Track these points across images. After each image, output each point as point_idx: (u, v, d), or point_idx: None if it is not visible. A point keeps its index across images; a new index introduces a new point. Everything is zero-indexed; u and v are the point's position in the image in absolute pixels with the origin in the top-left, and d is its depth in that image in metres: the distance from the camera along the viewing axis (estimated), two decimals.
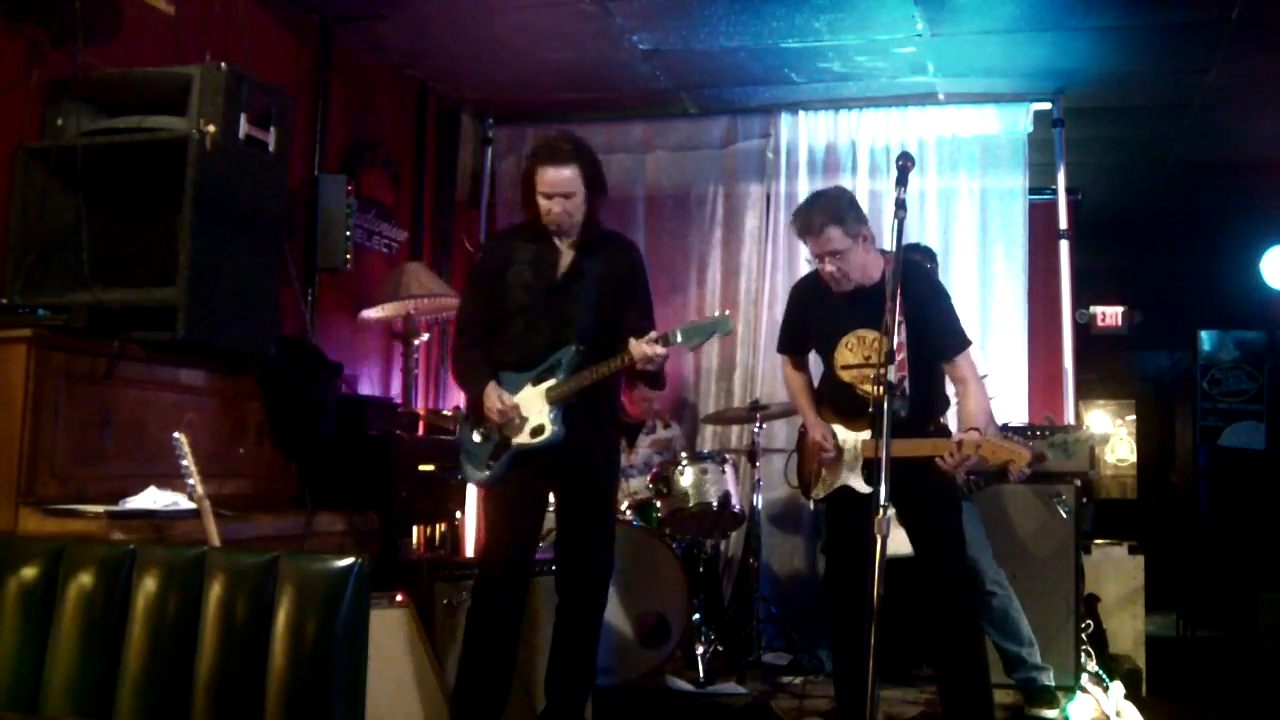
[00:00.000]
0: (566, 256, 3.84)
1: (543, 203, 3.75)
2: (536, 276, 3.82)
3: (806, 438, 3.92)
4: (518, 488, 3.80)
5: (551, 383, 3.74)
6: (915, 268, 3.87)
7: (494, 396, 3.74)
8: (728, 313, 3.77)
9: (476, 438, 3.84)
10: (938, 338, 3.72)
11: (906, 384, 3.56)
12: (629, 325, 3.77)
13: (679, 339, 3.67)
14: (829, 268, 3.68)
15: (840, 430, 3.78)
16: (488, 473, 3.81)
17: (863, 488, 3.66)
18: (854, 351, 3.72)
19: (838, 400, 3.81)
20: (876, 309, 3.48)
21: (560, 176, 3.71)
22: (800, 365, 4.07)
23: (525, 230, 3.90)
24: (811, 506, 3.83)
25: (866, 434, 3.67)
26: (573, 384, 3.71)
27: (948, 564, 3.72)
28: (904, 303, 3.51)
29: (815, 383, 4.03)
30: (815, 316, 3.87)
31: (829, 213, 3.66)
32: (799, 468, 4.04)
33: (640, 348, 3.63)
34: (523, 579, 3.83)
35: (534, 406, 3.75)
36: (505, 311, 3.83)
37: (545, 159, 3.74)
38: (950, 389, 3.91)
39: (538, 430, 3.74)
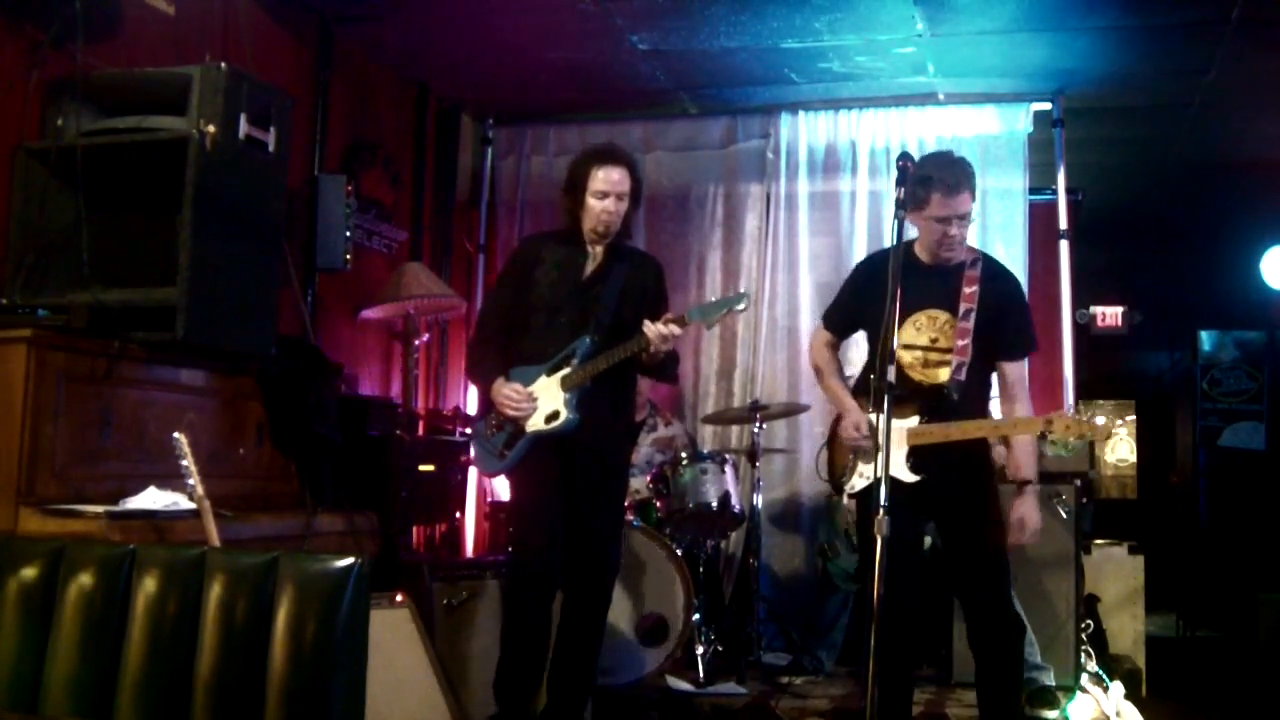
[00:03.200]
0: (595, 260, 3.95)
1: (596, 203, 3.85)
2: (563, 276, 3.93)
3: (839, 426, 3.80)
4: (539, 471, 3.86)
5: (566, 371, 3.83)
6: (1000, 264, 3.85)
7: (504, 388, 3.84)
8: (744, 290, 3.80)
9: (491, 429, 3.92)
10: (1013, 334, 3.68)
11: (963, 371, 3.54)
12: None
13: (695, 317, 3.75)
14: (954, 231, 3.59)
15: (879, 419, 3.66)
16: (503, 461, 3.89)
17: (908, 476, 3.53)
18: (920, 331, 3.64)
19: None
20: (952, 290, 3.58)
21: (619, 175, 3.85)
22: (835, 347, 3.94)
23: (559, 234, 4.03)
24: (845, 500, 3.73)
25: (913, 420, 3.57)
26: (587, 369, 3.79)
27: (995, 562, 3.64)
28: (984, 294, 3.59)
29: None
30: (883, 292, 3.64)
31: (970, 177, 3.61)
32: (829, 460, 3.91)
33: (655, 328, 3.69)
34: (555, 565, 3.87)
35: (549, 394, 3.84)
36: (529, 307, 3.93)
37: (604, 159, 3.87)
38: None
39: (552, 416, 3.83)
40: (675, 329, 3.69)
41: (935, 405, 3.58)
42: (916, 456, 3.55)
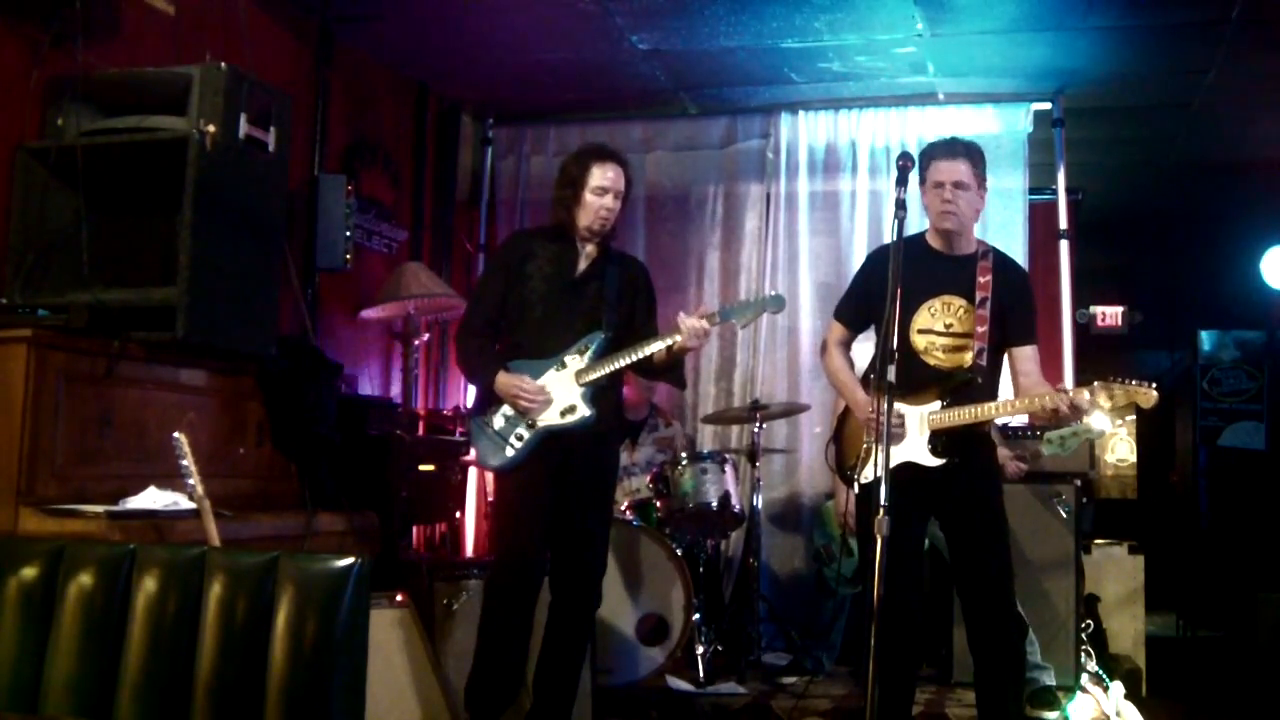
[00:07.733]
0: (586, 259, 3.92)
1: (594, 200, 3.83)
2: (557, 271, 3.89)
3: (848, 419, 3.79)
4: (534, 476, 3.80)
5: (581, 365, 3.79)
6: (1009, 256, 3.88)
7: (515, 381, 3.76)
8: (776, 293, 3.78)
9: (499, 422, 3.81)
10: (1027, 323, 3.72)
11: (984, 356, 3.57)
12: (645, 331, 3.85)
13: (729, 317, 3.75)
14: (946, 196, 3.61)
15: (897, 405, 3.55)
16: (511, 454, 3.78)
17: (930, 460, 3.54)
18: (935, 316, 3.65)
19: (897, 374, 3.59)
20: (966, 277, 3.61)
21: (615, 173, 3.85)
22: (848, 344, 3.90)
23: (548, 232, 4.00)
24: (855, 489, 3.71)
25: (934, 405, 3.57)
26: (607, 365, 3.77)
27: (1002, 560, 3.64)
28: (997, 283, 3.63)
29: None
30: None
31: (968, 150, 3.69)
32: (837, 451, 3.87)
33: (691, 322, 3.68)
34: (541, 568, 3.84)
35: (562, 387, 3.78)
36: (523, 300, 3.88)
37: (603, 157, 3.87)
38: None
39: (568, 410, 3.77)
40: (708, 324, 3.70)
41: (957, 389, 3.59)
42: (939, 441, 3.56)
